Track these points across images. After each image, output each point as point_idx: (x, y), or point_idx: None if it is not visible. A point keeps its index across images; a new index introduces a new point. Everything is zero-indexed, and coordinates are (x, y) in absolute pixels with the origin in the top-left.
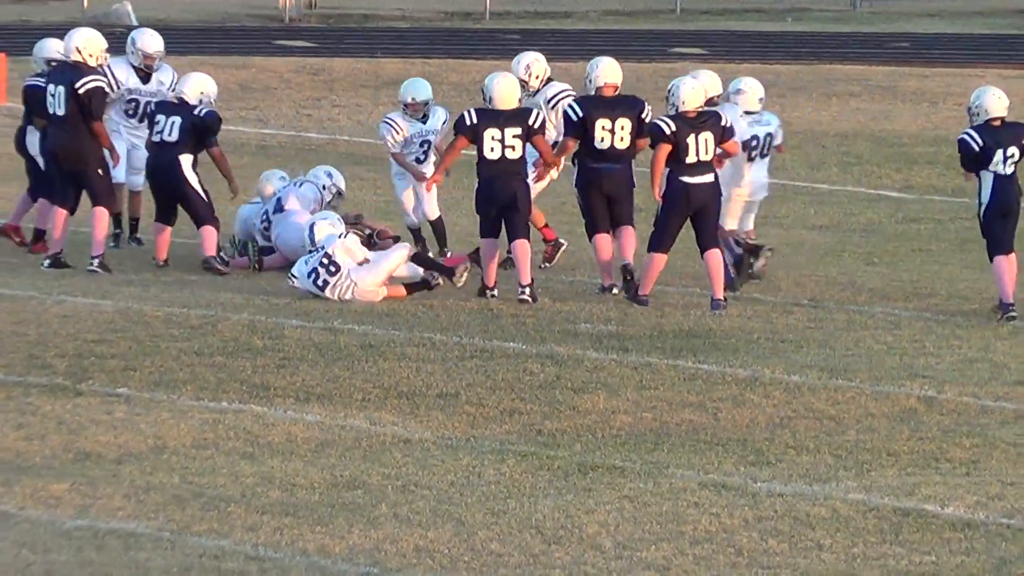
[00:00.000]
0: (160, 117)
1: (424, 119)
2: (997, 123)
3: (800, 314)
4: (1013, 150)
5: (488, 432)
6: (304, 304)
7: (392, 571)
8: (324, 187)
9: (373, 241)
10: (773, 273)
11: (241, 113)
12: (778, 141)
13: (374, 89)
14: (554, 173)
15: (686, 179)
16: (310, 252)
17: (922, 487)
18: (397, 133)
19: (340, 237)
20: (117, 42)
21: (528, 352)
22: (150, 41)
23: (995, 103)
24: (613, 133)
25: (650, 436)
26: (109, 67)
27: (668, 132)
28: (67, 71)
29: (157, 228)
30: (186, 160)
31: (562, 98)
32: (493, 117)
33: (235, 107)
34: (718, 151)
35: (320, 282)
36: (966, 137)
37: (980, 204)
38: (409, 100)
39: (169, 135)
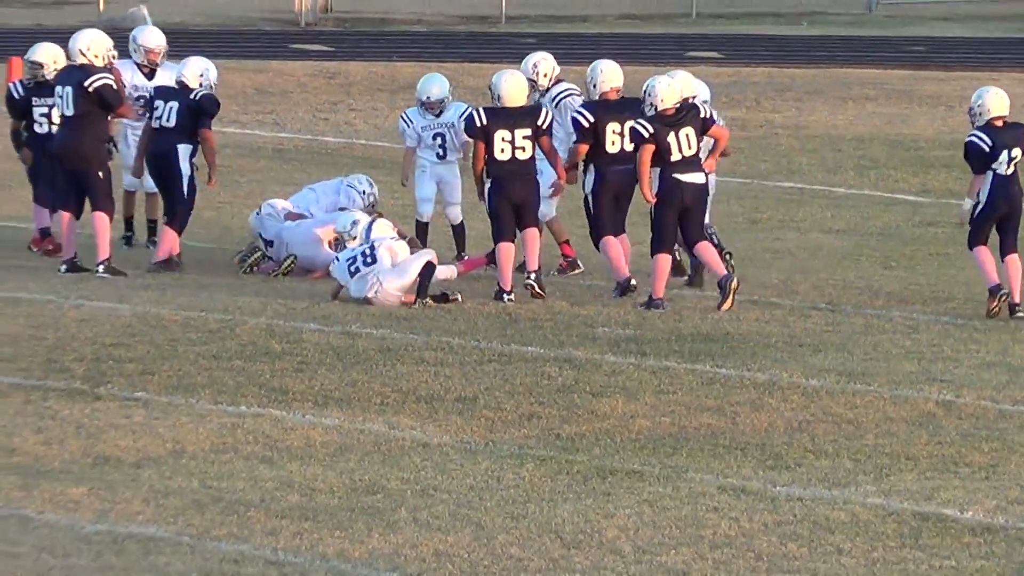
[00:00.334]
0: (159, 103)
1: (440, 115)
2: (999, 123)
3: (818, 318)
4: (1016, 151)
5: (507, 436)
6: (322, 308)
7: None
8: (364, 192)
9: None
10: (791, 277)
11: (258, 117)
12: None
13: (390, 93)
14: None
15: (678, 176)
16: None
17: (941, 491)
18: (408, 126)
19: (391, 239)
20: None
21: (546, 356)
22: (151, 36)
23: (997, 102)
24: (623, 136)
25: (669, 440)
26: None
27: (647, 134)
28: (75, 72)
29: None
30: (184, 150)
31: (565, 96)
32: (503, 117)
33: (251, 111)
34: (710, 142)
35: (353, 268)
36: (975, 139)
37: (977, 204)
38: (424, 99)
39: (167, 120)
